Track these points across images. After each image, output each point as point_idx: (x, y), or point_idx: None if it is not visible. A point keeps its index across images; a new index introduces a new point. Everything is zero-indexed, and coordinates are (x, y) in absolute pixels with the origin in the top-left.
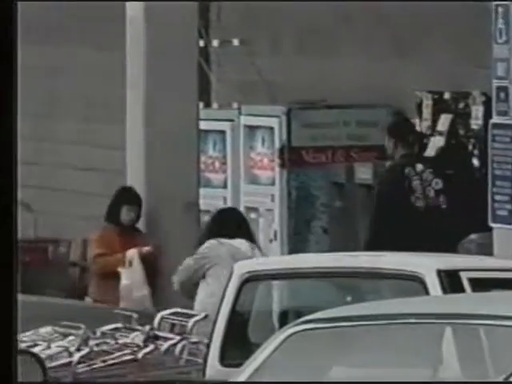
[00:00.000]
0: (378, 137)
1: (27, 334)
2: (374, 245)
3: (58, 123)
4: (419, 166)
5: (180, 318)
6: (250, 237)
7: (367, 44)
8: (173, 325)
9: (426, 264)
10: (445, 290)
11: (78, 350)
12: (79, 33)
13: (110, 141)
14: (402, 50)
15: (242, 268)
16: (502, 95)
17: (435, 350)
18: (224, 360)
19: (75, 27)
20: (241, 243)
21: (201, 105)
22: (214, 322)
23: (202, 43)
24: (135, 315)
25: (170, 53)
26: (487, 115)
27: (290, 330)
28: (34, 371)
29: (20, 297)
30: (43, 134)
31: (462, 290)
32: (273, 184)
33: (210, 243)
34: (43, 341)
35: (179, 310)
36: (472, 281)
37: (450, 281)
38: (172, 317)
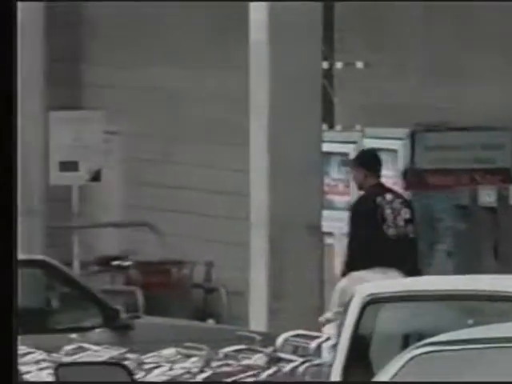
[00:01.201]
0: (502, 159)
1: (150, 355)
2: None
3: (183, 145)
4: (388, 196)
5: (303, 340)
6: None
7: (492, 67)
8: (296, 347)
9: None
10: None
11: (201, 371)
12: (205, 56)
13: (235, 163)
14: None
15: (364, 291)
16: None
17: None
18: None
19: (201, 50)
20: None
21: (324, 127)
22: (337, 344)
23: (325, 65)
24: (258, 337)
25: (294, 75)
26: None
27: (412, 352)
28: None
29: (143, 319)
30: (169, 156)
31: None
32: None
33: None
34: (166, 362)
35: (302, 331)
36: None
37: None
38: (295, 339)
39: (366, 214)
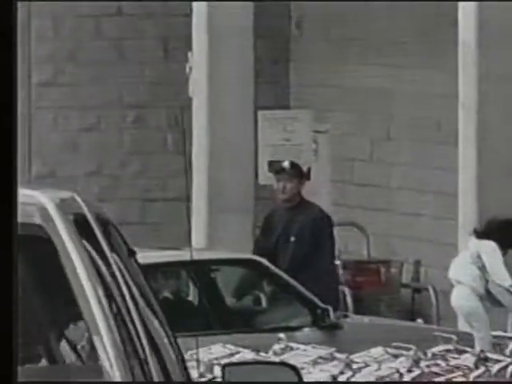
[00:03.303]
0: None
1: (358, 354)
2: None
3: (390, 144)
4: None
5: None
6: None
7: None
8: (502, 346)
9: None
10: None
11: (409, 371)
12: (411, 55)
13: (443, 162)
14: None
15: None
16: None
17: None
18: None
19: (407, 49)
20: None
21: None
22: None
23: None
24: (454, 337)
25: (502, 75)
26: None
27: None
28: None
29: (352, 318)
30: (376, 155)
31: None
32: None
33: None
34: (374, 362)
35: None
36: None
37: None
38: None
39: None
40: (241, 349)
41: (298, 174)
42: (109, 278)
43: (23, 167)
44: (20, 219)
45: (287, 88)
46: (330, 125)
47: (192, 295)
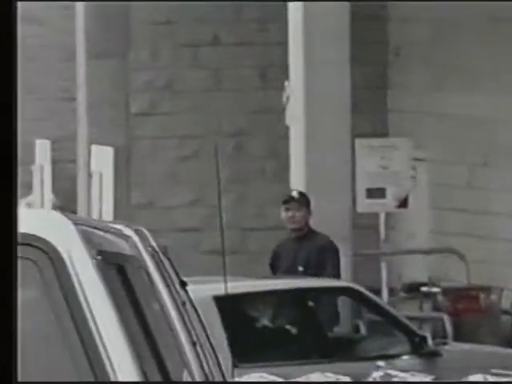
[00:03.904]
0: None
1: (457, 382)
2: None
3: (487, 171)
4: None
5: None
6: None
7: None
8: None
9: None
10: None
11: None
12: (504, 81)
13: None
14: None
15: None
16: None
17: None
18: None
19: (500, 75)
20: None
21: None
22: None
23: None
24: None
25: None
26: None
27: None
28: None
29: (451, 345)
30: (474, 181)
31: None
32: None
33: None
34: None
35: None
36: None
37: None
38: None
39: None
40: (340, 376)
41: (307, 203)
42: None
43: (122, 197)
44: (115, 249)
45: (385, 115)
46: (428, 152)
47: (290, 323)
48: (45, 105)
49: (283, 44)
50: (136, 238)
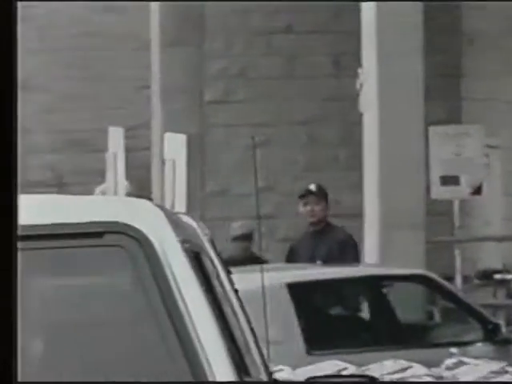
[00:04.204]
0: None
1: None
2: None
3: None
4: None
5: None
6: None
7: None
8: None
9: None
10: None
11: None
12: None
13: None
14: None
15: None
16: None
17: None
18: None
19: None
20: None
21: None
22: None
23: None
24: None
25: None
26: None
27: None
28: None
29: None
30: None
31: None
32: None
33: None
34: None
35: None
36: None
37: None
38: None
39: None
40: (412, 363)
41: (325, 196)
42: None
43: (196, 185)
44: (191, 237)
45: (458, 103)
46: (501, 139)
47: (364, 311)
48: (119, 93)
49: (356, 31)
50: (195, 225)
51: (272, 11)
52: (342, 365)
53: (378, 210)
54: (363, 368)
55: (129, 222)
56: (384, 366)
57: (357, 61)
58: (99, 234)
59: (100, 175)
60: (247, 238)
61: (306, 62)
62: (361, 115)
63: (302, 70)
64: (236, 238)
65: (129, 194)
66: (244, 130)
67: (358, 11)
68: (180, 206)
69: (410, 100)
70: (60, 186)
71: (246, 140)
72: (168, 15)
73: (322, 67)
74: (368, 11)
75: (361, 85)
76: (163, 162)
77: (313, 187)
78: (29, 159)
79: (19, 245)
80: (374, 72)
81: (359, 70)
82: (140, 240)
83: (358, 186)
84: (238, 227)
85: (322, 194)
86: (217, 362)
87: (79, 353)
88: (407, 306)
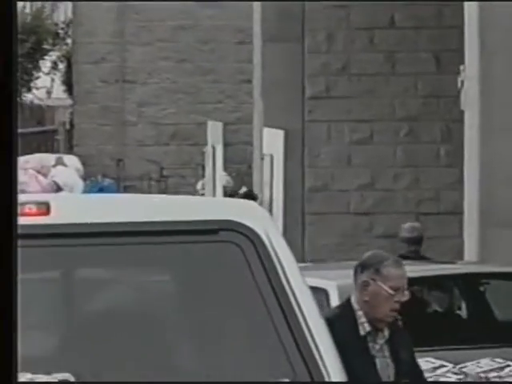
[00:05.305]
0: None
1: None
2: None
3: None
4: None
5: None
6: None
7: None
8: None
9: None
10: None
11: None
12: None
13: None
14: None
15: None
16: None
17: None
18: None
19: None
20: None
21: None
22: None
23: None
24: None
25: None
26: None
27: None
28: None
29: None
30: None
31: None
32: None
33: None
34: None
35: None
36: None
37: None
38: None
39: None
40: (510, 362)
41: None
42: None
43: (295, 180)
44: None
45: None
46: None
47: (461, 308)
48: (221, 87)
49: (458, 27)
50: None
51: (374, 6)
52: (438, 362)
53: (477, 208)
54: (459, 366)
55: (241, 221)
56: (481, 364)
57: (459, 57)
58: (214, 231)
59: (199, 169)
60: (417, 241)
61: (408, 58)
62: (462, 112)
63: (404, 66)
64: (406, 240)
65: (230, 189)
66: (344, 125)
67: (461, 7)
68: (277, 201)
69: (511, 97)
70: (160, 178)
71: (346, 136)
72: (270, 10)
73: (424, 63)
74: (471, 8)
75: (462, 82)
76: (262, 157)
77: None
78: (130, 151)
79: (139, 239)
80: (476, 69)
81: (461, 67)
82: (251, 237)
83: (458, 183)
84: (409, 229)
85: None
86: (330, 358)
87: (198, 343)
88: (506, 304)
